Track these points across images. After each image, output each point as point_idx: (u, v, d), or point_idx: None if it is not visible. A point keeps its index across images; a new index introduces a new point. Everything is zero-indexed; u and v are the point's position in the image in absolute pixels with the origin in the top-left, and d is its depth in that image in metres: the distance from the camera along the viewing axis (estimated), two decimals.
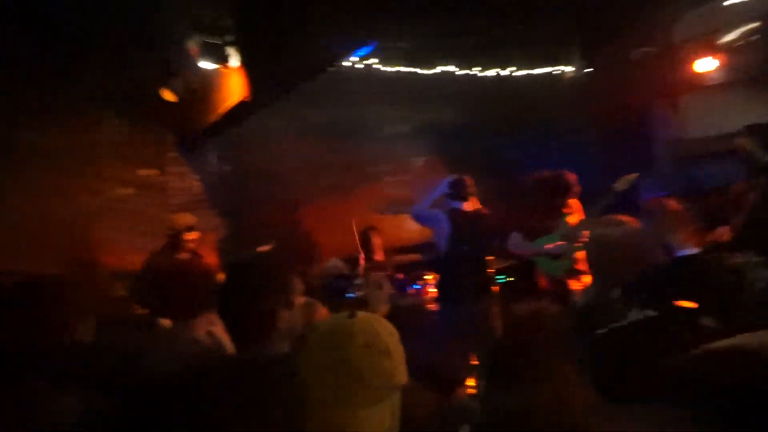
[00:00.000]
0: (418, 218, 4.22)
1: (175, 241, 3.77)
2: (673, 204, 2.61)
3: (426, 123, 6.35)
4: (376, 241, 4.85)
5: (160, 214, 4.62)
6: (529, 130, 6.94)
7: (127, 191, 4.70)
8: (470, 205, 3.96)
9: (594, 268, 2.09)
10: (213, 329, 1.96)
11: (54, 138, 4.39)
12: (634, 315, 1.90)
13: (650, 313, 1.84)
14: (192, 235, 3.79)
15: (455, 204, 3.95)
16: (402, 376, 0.98)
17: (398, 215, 6.03)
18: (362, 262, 4.55)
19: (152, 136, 4.80)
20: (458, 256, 3.85)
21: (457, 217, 3.89)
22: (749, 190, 3.41)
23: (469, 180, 4.00)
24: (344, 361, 0.92)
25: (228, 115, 3.48)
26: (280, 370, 1.20)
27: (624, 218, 2.11)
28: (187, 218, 3.92)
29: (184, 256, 3.47)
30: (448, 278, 3.95)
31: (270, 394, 1.08)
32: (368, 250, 4.77)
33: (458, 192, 3.94)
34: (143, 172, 4.77)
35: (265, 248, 3.86)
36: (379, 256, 4.85)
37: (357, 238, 4.75)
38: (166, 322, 2.38)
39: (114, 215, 4.60)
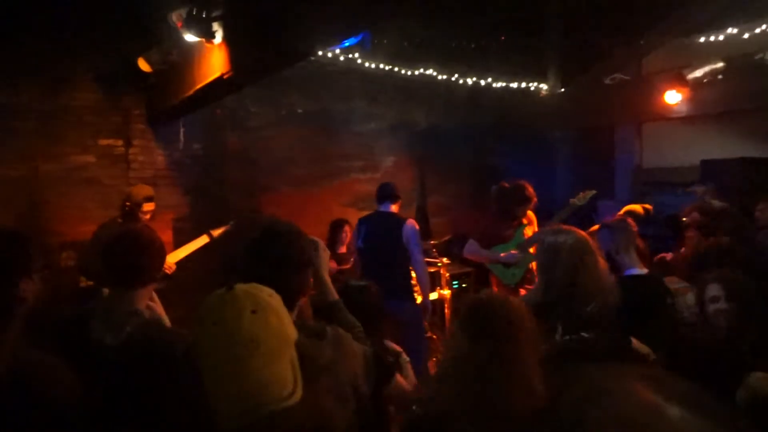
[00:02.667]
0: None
1: (131, 211, 3.71)
2: (633, 224, 2.72)
3: (400, 122, 6.40)
4: (345, 235, 4.88)
5: (119, 186, 4.53)
6: (499, 140, 7.09)
7: (88, 159, 4.57)
8: (393, 208, 3.99)
9: (541, 271, 2.14)
10: (151, 303, 1.95)
11: (19, 97, 4.24)
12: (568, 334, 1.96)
13: (584, 335, 1.89)
14: (150, 206, 3.74)
15: (380, 207, 4.00)
16: (292, 330, 1.04)
17: (363, 212, 6.06)
18: None
19: (122, 104, 4.68)
20: (360, 254, 3.97)
21: (372, 218, 3.99)
22: (693, 226, 3.58)
23: (394, 185, 4.08)
24: (237, 330, 0.95)
25: (203, 93, 3.42)
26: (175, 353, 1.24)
27: (575, 229, 2.16)
28: (145, 189, 3.86)
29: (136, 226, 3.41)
30: (362, 269, 4.03)
31: (168, 379, 1.12)
32: (334, 241, 4.79)
33: (384, 194, 3.98)
34: (106, 140, 4.64)
35: (220, 230, 3.84)
36: (342, 249, 4.87)
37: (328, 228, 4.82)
38: (107, 292, 2.35)
39: (72, 182, 4.47)
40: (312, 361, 1.07)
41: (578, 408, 0.49)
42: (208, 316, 1.00)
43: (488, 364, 1.34)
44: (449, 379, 1.40)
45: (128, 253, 1.77)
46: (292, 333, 1.05)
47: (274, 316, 1.01)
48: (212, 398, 0.94)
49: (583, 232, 2.13)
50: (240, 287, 1.03)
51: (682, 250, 3.79)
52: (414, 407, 1.53)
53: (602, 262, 2.11)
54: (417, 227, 3.91)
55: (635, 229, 2.69)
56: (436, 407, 1.39)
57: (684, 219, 3.89)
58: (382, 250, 3.83)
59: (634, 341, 1.92)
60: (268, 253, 1.47)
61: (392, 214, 3.98)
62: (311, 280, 1.63)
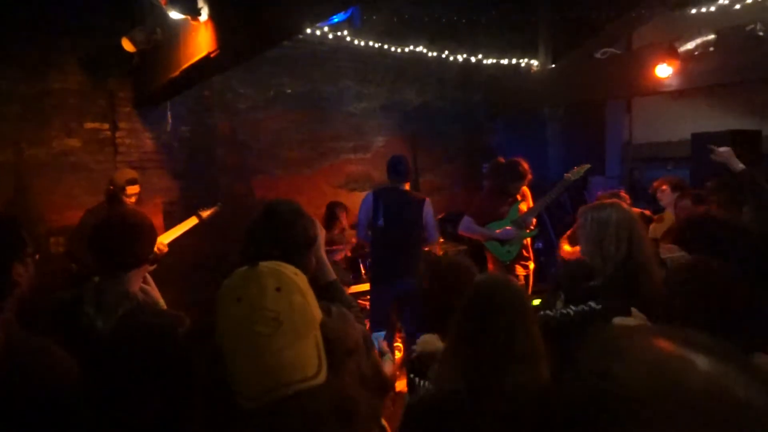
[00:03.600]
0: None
1: (115, 195, 3.67)
2: (626, 196, 2.74)
3: (391, 102, 6.34)
4: (342, 218, 4.86)
5: (106, 170, 4.46)
6: (491, 118, 7.06)
7: (74, 143, 4.49)
8: (407, 186, 3.87)
9: (591, 244, 2.11)
10: (145, 285, 1.92)
11: (4, 82, 4.13)
12: (565, 306, 1.99)
13: (593, 305, 1.92)
14: (133, 189, 3.69)
15: (392, 181, 3.84)
16: (317, 310, 1.02)
17: (354, 192, 6.04)
18: None
19: (107, 87, 4.58)
20: (379, 232, 3.76)
21: (387, 194, 3.80)
22: (679, 195, 3.59)
23: (408, 160, 3.91)
24: (259, 308, 0.93)
25: (190, 73, 3.34)
26: (195, 334, 1.21)
27: (618, 201, 2.18)
28: (128, 172, 3.81)
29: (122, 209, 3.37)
30: (373, 254, 3.92)
31: (188, 359, 1.10)
32: (331, 224, 4.78)
33: (398, 170, 3.81)
34: (92, 124, 4.56)
35: (209, 211, 3.80)
36: (336, 231, 4.86)
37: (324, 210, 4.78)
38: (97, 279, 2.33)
39: (58, 167, 4.40)
40: (338, 344, 1.04)
41: (598, 364, 0.48)
42: (231, 293, 0.97)
43: (493, 344, 1.34)
44: (455, 360, 1.40)
45: (116, 235, 1.73)
46: (317, 314, 1.02)
47: (298, 295, 0.98)
48: (233, 377, 0.92)
49: (625, 204, 2.15)
50: (264, 264, 1.01)
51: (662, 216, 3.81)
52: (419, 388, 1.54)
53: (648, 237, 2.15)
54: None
55: (628, 201, 2.71)
56: (443, 388, 1.39)
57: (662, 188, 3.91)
58: (404, 230, 3.75)
59: (633, 311, 1.95)
60: (272, 231, 1.45)
61: (409, 192, 3.89)
62: (314, 259, 1.61)
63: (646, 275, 1.98)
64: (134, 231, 1.76)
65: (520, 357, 1.33)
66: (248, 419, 0.92)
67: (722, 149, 2.85)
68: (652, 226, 3.80)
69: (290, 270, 1.02)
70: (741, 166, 2.77)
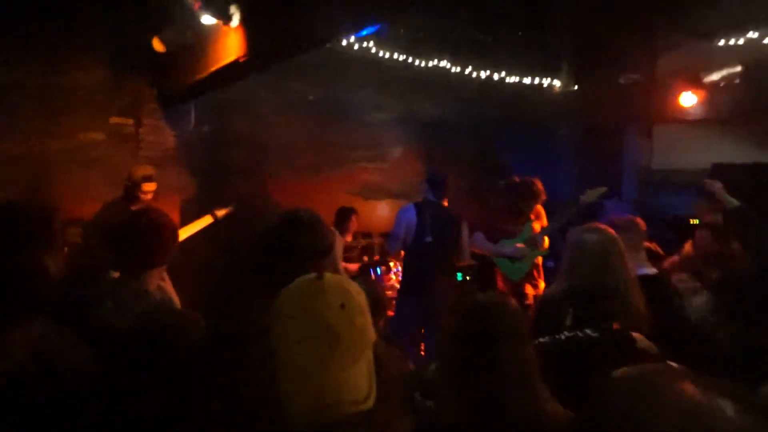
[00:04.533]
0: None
1: (131, 191, 3.70)
2: (642, 223, 2.72)
3: (409, 113, 6.36)
4: (352, 224, 4.88)
5: (128, 165, 4.51)
6: (507, 136, 7.05)
7: (98, 137, 4.56)
8: (445, 202, 3.91)
9: (566, 267, 2.13)
10: (162, 284, 1.94)
11: (29, 74, 4.22)
12: (572, 330, 1.96)
13: (589, 332, 1.90)
14: (149, 186, 3.71)
15: (433, 196, 3.85)
16: (372, 332, 0.98)
17: (369, 201, 6.06)
18: None
19: (134, 84, 4.66)
20: (424, 248, 3.75)
21: (431, 210, 3.80)
22: (700, 226, 3.56)
23: (450, 176, 3.97)
24: (322, 324, 0.90)
25: (216, 76, 3.39)
26: (248, 341, 1.19)
27: (605, 227, 2.16)
28: (145, 169, 3.84)
29: (138, 207, 3.41)
30: (412, 269, 3.88)
31: (239, 367, 1.08)
32: (341, 229, 4.79)
33: (442, 185, 3.84)
34: (116, 119, 4.63)
35: (223, 210, 3.83)
36: (348, 238, 4.88)
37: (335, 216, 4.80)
38: (116, 274, 2.35)
39: (81, 161, 4.47)
40: (387, 368, 1.00)
41: (623, 403, 0.48)
42: (294, 303, 0.94)
43: (486, 367, 1.34)
44: (450, 381, 1.39)
45: (140, 235, 1.76)
46: (372, 335, 0.98)
47: (360, 315, 0.95)
48: (284, 393, 0.89)
49: (612, 231, 2.13)
50: (330, 277, 0.97)
51: (684, 250, 3.77)
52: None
53: (629, 264, 2.11)
54: None
55: (644, 228, 2.69)
56: (441, 418, 1.39)
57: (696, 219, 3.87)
58: (446, 247, 3.79)
59: (637, 336, 1.92)
60: (289, 239, 1.45)
61: (449, 209, 3.92)
62: (329, 268, 1.62)
63: (619, 301, 1.96)
64: (158, 231, 1.78)
65: (514, 379, 1.32)
66: None
67: (715, 183, 2.83)
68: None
69: (354, 288, 0.99)
70: (734, 203, 2.75)
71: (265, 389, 0.91)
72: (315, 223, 1.50)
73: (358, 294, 0.97)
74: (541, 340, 1.96)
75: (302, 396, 0.88)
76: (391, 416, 1.00)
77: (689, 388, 0.48)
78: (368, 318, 0.97)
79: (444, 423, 1.35)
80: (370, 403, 0.91)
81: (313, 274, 0.97)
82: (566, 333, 1.92)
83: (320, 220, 1.54)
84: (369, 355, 0.95)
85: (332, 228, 1.65)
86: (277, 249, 1.43)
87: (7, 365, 1.19)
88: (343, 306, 0.92)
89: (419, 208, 3.81)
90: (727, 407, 0.45)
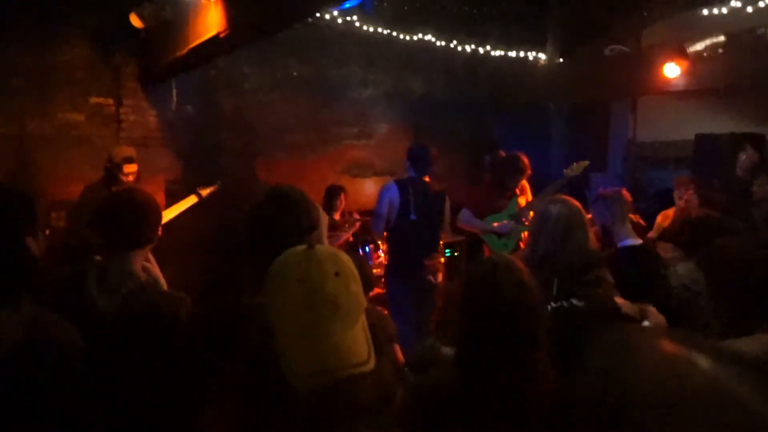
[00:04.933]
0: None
1: (112, 173, 3.65)
2: (628, 195, 2.74)
3: (396, 90, 6.31)
4: (341, 202, 4.86)
5: (109, 145, 4.44)
6: (496, 112, 7.04)
7: (78, 117, 4.47)
8: (427, 179, 3.79)
9: (530, 236, 2.17)
10: (147, 265, 1.93)
11: (6, 54, 4.10)
12: (558, 301, 1.98)
13: (575, 302, 1.92)
14: (130, 168, 3.66)
15: (416, 172, 3.72)
16: (364, 299, 1.03)
17: (356, 179, 6.04)
18: None
19: (113, 62, 4.55)
20: (409, 226, 3.64)
21: (414, 186, 3.68)
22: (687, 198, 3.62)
23: (435, 151, 3.82)
24: (321, 291, 0.93)
25: (197, 52, 3.32)
26: (243, 317, 1.21)
27: (571, 199, 2.17)
28: (126, 150, 3.78)
29: (119, 188, 3.35)
30: (398, 248, 3.80)
31: (235, 342, 1.10)
32: (329, 207, 4.78)
33: (424, 161, 3.70)
34: (96, 99, 4.54)
35: (208, 189, 3.79)
36: (336, 216, 4.87)
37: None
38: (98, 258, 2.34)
39: (62, 141, 4.39)
40: (381, 330, 1.05)
41: (604, 364, 0.49)
42: (290, 273, 0.96)
43: (501, 346, 1.36)
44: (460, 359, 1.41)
45: (123, 214, 1.74)
46: (365, 301, 1.03)
47: (354, 282, 0.99)
48: (287, 357, 0.92)
49: (577, 203, 2.14)
50: (320, 247, 1.00)
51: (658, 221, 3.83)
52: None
53: (592, 237, 2.13)
54: None
55: (630, 200, 2.72)
56: (444, 388, 1.42)
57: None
58: (432, 224, 3.72)
59: (620, 301, 1.95)
60: (274, 216, 1.45)
61: (431, 183, 3.81)
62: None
63: (572, 269, 1.97)
64: (141, 211, 1.76)
65: (522, 346, 1.35)
66: (298, 400, 0.92)
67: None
68: (658, 221, 3.81)
69: (345, 256, 1.02)
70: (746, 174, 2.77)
71: (265, 359, 0.94)
72: (299, 200, 1.49)
73: (349, 262, 1.01)
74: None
75: (306, 360, 0.91)
76: (389, 378, 1.04)
77: (665, 344, 0.49)
78: (360, 285, 1.01)
79: (445, 389, 1.37)
80: (372, 364, 0.94)
81: (303, 246, 1.00)
82: (553, 304, 1.94)
83: (305, 196, 1.53)
84: (364, 320, 0.99)
85: (318, 205, 1.64)
86: (262, 226, 1.43)
87: (1, 345, 1.19)
88: (337, 274, 0.96)
89: (401, 185, 3.69)
90: (702, 360, 0.46)
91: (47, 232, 1.43)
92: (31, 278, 1.31)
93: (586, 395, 0.49)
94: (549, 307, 1.94)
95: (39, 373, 1.19)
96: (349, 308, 0.95)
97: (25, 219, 1.30)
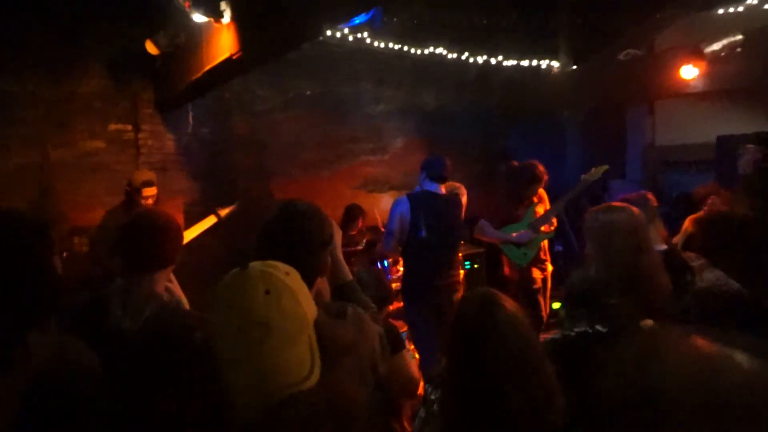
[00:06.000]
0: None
1: (132, 197, 3.71)
2: (654, 198, 2.68)
3: (409, 104, 6.33)
4: (358, 219, 4.86)
5: (128, 171, 4.52)
6: (509, 121, 7.00)
7: (97, 145, 4.56)
8: (443, 189, 3.59)
9: (595, 251, 2.00)
10: (170, 285, 1.93)
11: (26, 83, 4.22)
12: (582, 326, 1.86)
13: (599, 328, 1.77)
14: (149, 191, 3.72)
15: (431, 185, 3.54)
16: (311, 310, 0.99)
17: (372, 194, 6.04)
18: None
19: (130, 89, 4.65)
20: (420, 244, 3.39)
21: (426, 201, 3.46)
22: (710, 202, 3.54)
23: (449, 161, 3.66)
24: (248, 315, 0.91)
25: (211, 75, 3.37)
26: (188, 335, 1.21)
27: (628, 205, 2.08)
28: (145, 174, 3.85)
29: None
30: (412, 269, 3.56)
31: (181, 363, 1.09)
32: (347, 226, 4.78)
33: (439, 172, 3.50)
34: (115, 126, 4.63)
35: (227, 209, 3.82)
36: (353, 231, 4.88)
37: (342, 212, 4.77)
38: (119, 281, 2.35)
39: (81, 168, 4.47)
40: (332, 342, 1.03)
41: (635, 363, 0.46)
42: (222, 298, 0.96)
43: (486, 373, 1.28)
44: (453, 382, 1.35)
45: (145, 235, 1.75)
46: (311, 312, 1.00)
47: (288, 297, 0.96)
48: (228, 385, 0.92)
49: (635, 209, 2.04)
50: (254, 266, 0.99)
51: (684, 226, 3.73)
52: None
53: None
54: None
55: (656, 205, 2.66)
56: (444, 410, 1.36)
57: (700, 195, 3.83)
58: (446, 240, 3.46)
59: (647, 323, 1.86)
60: (287, 231, 1.43)
61: (446, 195, 3.59)
62: (329, 259, 1.60)
63: (653, 284, 1.85)
64: (163, 232, 1.77)
65: (520, 375, 1.27)
66: (245, 428, 0.90)
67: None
68: (685, 225, 3.72)
69: (281, 270, 1.00)
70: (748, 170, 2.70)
71: (210, 385, 0.94)
72: (312, 214, 1.48)
73: (285, 276, 0.98)
74: (553, 336, 1.88)
75: (242, 385, 0.90)
76: (344, 387, 1.01)
77: (698, 341, 0.46)
78: (300, 297, 0.97)
79: (446, 414, 1.33)
80: (314, 379, 0.93)
81: (238, 268, 0.99)
82: (576, 329, 1.83)
83: (318, 210, 1.52)
84: (308, 332, 0.96)
85: (332, 220, 1.62)
86: (275, 242, 1.41)
87: (31, 365, 1.20)
88: (268, 292, 0.94)
89: (413, 199, 3.45)
90: (737, 356, 0.43)
91: (64, 254, 1.44)
92: (57, 300, 1.32)
93: (615, 396, 0.46)
94: (573, 333, 1.78)
95: (64, 396, 1.19)
96: (283, 327, 0.92)
97: (43, 242, 1.31)
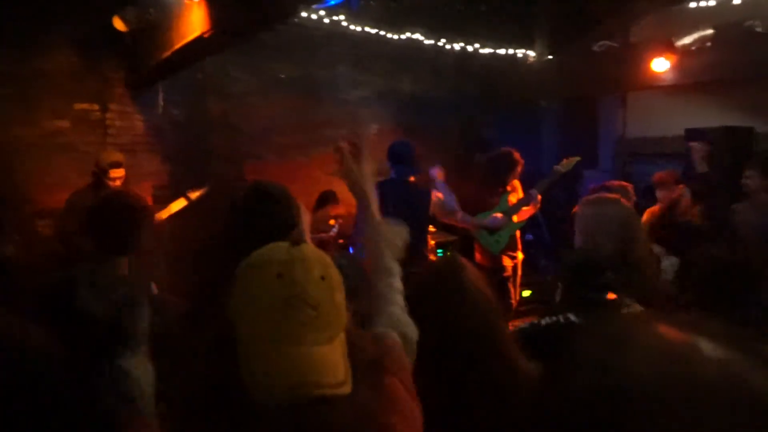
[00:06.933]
0: None
1: (99, 178, 3.62)
2: (632, 191, 2.72)
3: (386, 90, 6.28)
4: (330, 205, 4.81)
5: (96, 152, 4.38)
6: (486, 110, 7.03)
7: (63, 124, 4.42)
8: (411, 177, 3.54)
9: (582, 236, 2.02)
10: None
11: None
12: (555, 316, 1.80)
13: (572, 317, 1.77)
14: (117, 173, 3.63)
15: (396, 174, 3.44)
16: (346, 313, 0.90)
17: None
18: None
19: (98, 68, 4.50)
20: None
21: (393, 190, 3.34)
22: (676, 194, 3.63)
23: (416, 148, 3.59)
24: (301, 292, 0.80)
25: (182, 53, 3.28)
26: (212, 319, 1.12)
27: (617, 197, 2.09)
28: (113, 155, 3.75)
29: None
30: None
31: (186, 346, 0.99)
32: (319, 211, 4.74)
33: (406, 160, 3.40)
34: (82, 105, 4.48)
35: (197, 192, 3.75)
36: (327, 217, 4.84)
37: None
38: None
39: (47, 149, 4.32)
40: (361, 353, 0.90)
41: (598, 357, 0.45)
42: (270, 266, 0.82)
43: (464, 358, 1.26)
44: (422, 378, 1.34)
45: (116, 218, 1.70)
46: (346, 316, 0.89)
47: (339, 291, 0.87)
48: (251, 367, 0.78)
49: (626, 201, 2.06)
50: (307, 246, 0.87)
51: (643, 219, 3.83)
52: None
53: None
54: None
55: (634, 197, 2.71)
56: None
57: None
58: (414, 231, 3.38)
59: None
60: (256, 213, 1.41)
61: (415, 185, 3.51)
62: None
63: (640, 275, 1.87)
64: (134, 215, 1.72)
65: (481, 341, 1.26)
66: (261, 417, 0.78)
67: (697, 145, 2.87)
68: (644, 219, 3.82)
69: (332, 262, 0.89)
70: (704, 167, 2.80)
71: (221, 368, 0.82)
72: (280, 196, 1.46)
73: (335, 270, 0.89)
74: (521, 326, 1.87)
75: (276, 370, 0.78)
76: (368, 403, 0.90)
77: (664, 329, 0.45)
78: (344, 297, 0.88)
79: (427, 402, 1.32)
80: (348, 388, 0.82)
81: (286, 242, 0.88)
82: (547, 319, 1.81)
83: (286, 192, 1.49)
84: (343, 338, 0.86)
85: (300, 203, 1.59)
86: (241, 221, 1.39)
87: None
88: (323, 278, 0.84)
89: (380, 187, 3.42)
90: (709, 346, 0.42)
91: (17, 238, 1.39)
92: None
93: (579, 393, 0.44)
94: (543, 322, 1.78)
95: (9, 380, 1.16)
96: (330, 319, 0.83)
97: None
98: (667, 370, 0.41)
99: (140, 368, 1.02)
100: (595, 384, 0.43)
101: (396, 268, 1.35)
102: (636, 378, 0.42)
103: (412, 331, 1.17)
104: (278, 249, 0.86)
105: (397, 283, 1.28)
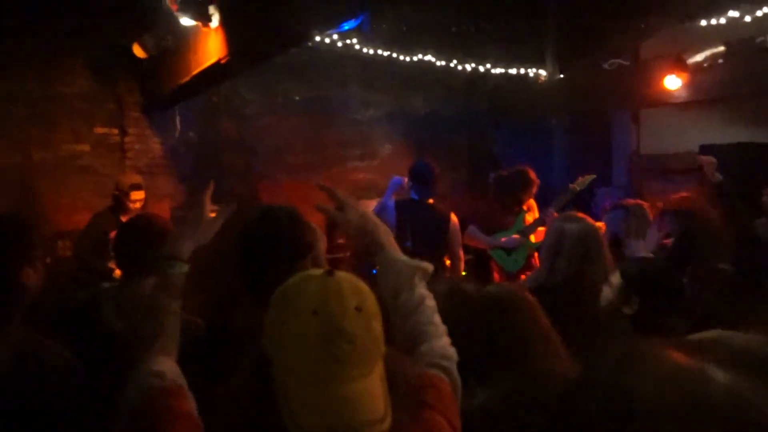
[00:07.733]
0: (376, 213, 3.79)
1: (119, 200, 3.68)
2: (651, 212, 2.70)
3: (398, 109, 6.35)
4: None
5: (114, 175, 4.47)
6: (497, 128, 7.06)
7: (83, 148, 4.52)
8: (430, 200, 3.53)
9: (546, 255, 2.08)
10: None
11: (12, 84, 4.17)
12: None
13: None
14: (137, 195, 3.69)
15: (417, 194, 3.43)
16: (382, 340, 0.86)
17: (361, 200, 6.03)
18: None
19: (117, 93, 4.61)
20: (409, 252, 3.34)
21: (413, 210, 3.35)
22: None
23: (437, 169, 3.60)
24: (338, 327, 0.77)
25: (199, 79, 3.36)
26: (239, 341, 1.06)
27: (586, 217, 2.12)
28: (133, 177, 3.83)
29: (127, 216, 3.37)
30: None
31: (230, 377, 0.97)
32: (333, 233, 4.75)
33: (427, 182, 3.39)
34: (101, 129, 4.59)
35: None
36: (342, 239, 4.85)
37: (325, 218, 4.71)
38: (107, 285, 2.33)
39: (66, 171, 4.42)
40: (403, 379, 0.86)
41: (609, 379, 0.46)
42: (305, 302, 0.80)
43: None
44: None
45: (140, 240, 1.74)
46: (383, 344, 0.85)
47: (375, 319, 0.83)
48: (287, 405, 0.76)
49: (593, 221, 2.10)
50: (341, 275, 0.84)
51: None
52: None
53: (608, 256, 2.07)
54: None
55: (650, 213, 2.69)
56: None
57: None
58: (431, 255, 3.36)
59: None
60: (266, 237, 1.41)
61: (435, 207, 3.51)
62: (311, 267, 1.57)
63: (591, 296, 1.84)
64: (158, 238, 1.76)
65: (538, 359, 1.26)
66: None
67: (707, 158, 2.86)
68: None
69: (368, 288, 0.86)
70: (718, 177, 2.77)
71: (261, 403, 0.79)
72: (293, 220, 1.46)
73: (372, 296, 0.86)
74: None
75: (314, 411, 0.76)
76: None
77: (674, 354, 0.46)
78: (380, 324, 0.85)
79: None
80: (386, 425, 0.78)
81: (320, 270, 0.85)
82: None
83: (299, 216, 1.49)
84: (381, 367, 0.83)
85: (313, 225, 1.59)
86: (253, 245, 1.39)
87: None
88: (359, 309, 0.80)
89: (399, 207, 3.34)
90: (719, 372, 0.43)
91: (48, 260, 1.43)
92: (22, 307, 1.30)
93: (588, 417, 0.45)
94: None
95: (28, 392, 1.18)
96: (368, 351, 0.80)
97: (19, 247, 1.29)
98: (676, 395, 0.42)
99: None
100: (603, 407, 0.44)
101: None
102: (644, 401, 0.42)
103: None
104: (312, 280, 0.83)
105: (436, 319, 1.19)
